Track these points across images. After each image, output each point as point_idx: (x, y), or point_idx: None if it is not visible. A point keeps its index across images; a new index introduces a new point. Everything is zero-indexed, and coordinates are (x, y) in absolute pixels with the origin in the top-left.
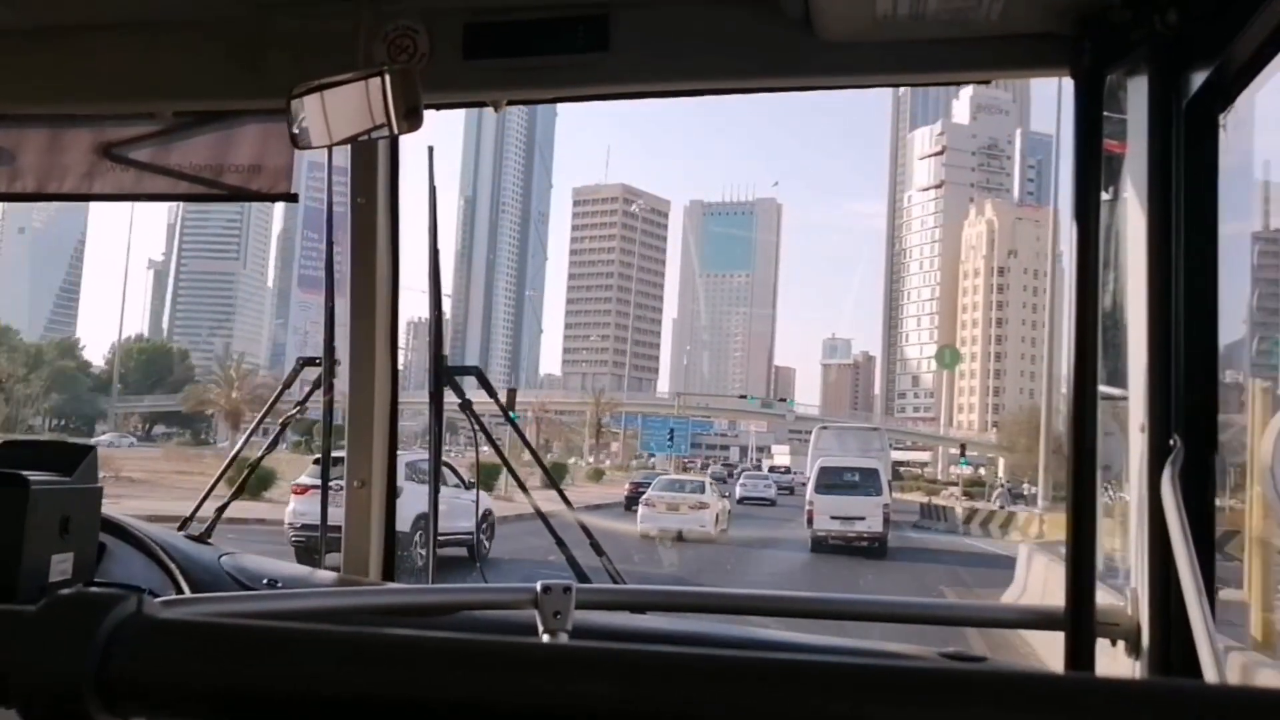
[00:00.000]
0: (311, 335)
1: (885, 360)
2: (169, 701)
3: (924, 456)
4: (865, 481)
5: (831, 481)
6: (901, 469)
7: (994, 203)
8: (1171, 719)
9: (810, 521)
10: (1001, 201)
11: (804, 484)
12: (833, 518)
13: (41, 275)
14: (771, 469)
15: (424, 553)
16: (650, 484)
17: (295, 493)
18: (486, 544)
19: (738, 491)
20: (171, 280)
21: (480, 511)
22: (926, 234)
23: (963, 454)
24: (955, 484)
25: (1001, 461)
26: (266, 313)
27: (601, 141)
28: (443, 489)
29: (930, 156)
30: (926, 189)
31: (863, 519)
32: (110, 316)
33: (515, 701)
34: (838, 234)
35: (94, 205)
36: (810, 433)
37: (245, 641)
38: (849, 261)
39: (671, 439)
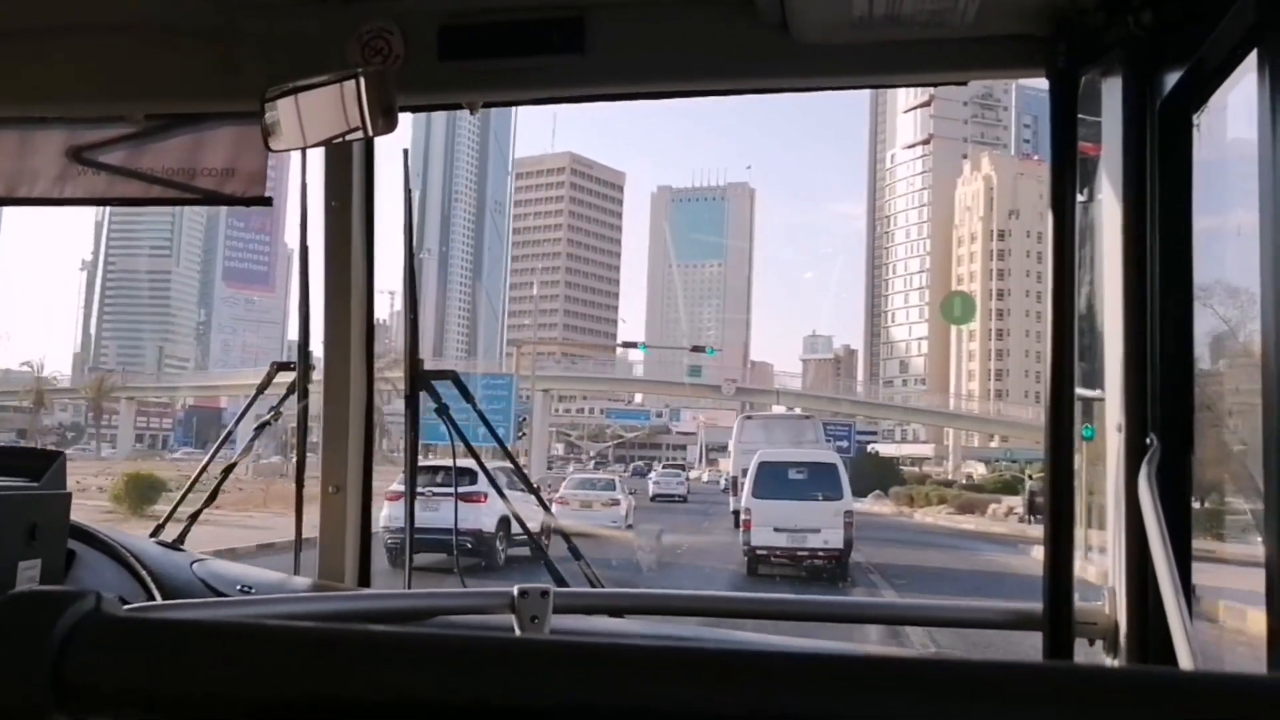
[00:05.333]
0: (239, 333)
1: (868, 343)
2: (131, 700)
3: (925, 451)
4: (819, 481)
5: (774, 482)
6: (901, 467)
7: (991, 156)
8: (1143, 703)
9: (747, 534)
10: (1000, 155)
11: (712, 483)
12: (777, 530)
13: None
14: (666, 466)
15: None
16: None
17: (388, 499)
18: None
19: (650, 489)
20: (100, 280)
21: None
22: (913, 197)
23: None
24: (1006, 494)
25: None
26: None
27: (563, 126)
28: (513, 492)
29: (916, 109)
30: (912, 145)
31: (817, 531)
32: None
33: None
34: (818, 234)
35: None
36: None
37: (209, 639)
38: (830, 259)
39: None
